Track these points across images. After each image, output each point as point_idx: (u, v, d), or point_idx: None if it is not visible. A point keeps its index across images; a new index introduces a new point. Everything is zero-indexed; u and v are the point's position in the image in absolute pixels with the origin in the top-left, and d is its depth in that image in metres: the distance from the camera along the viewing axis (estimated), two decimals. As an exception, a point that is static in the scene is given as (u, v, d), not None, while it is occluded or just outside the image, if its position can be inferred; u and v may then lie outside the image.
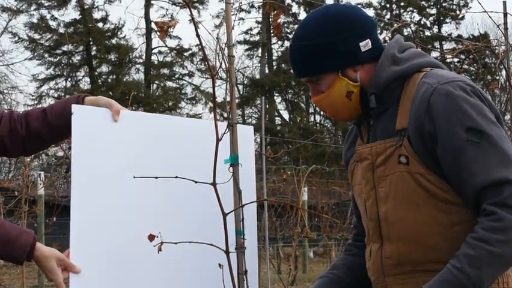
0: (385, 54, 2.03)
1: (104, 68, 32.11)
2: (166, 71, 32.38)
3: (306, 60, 2.05)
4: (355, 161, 2.13)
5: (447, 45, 32.62)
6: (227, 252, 1.76)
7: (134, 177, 1.99)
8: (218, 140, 1.74)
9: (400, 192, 1.94)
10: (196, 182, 1.79)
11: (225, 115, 1.97)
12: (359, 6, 2.21)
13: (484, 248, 1.79)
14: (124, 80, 31.01)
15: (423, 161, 1.92)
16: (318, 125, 35.23)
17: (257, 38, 34.72)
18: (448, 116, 1.86)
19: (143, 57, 32.17)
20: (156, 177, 1.97)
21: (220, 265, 1.85)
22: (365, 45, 2.03)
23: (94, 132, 2.18)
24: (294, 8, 34.02)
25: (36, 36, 30.90)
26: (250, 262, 2.13)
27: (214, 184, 1.73)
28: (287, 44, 34.62)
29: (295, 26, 34.60)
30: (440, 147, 1.88)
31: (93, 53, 31.87)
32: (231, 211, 1.79)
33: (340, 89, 2.03)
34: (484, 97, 1.93)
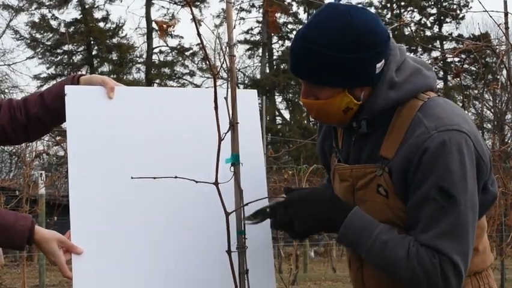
0: (384, 77, 1.88)
1: (105, 68, 32.10)
2: (167, 70, 32.38)
3: (314, 66, 1.85)
4: (335, 167, 2.08)
5: (447, 45, 32.67)
6: (229, 251, 1.75)
7: (132, 177, 1.95)
8: (220, 139, 1.72)
9: (379, 220, 1.89)
10: (197, 182, 1.77)
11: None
12: (360, 5, 1.97)
13: (403, 260, 1.81)
14: (125, 79, 31.00)
15: (402, 196, 1.87)
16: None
17: (257, 37, 34.70)
18: (431, 167, 1.79)
19: (144, 56, 32.18)
20: (154, 178, 1.93)
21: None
22: (380, 66, 1.87)
23: (88, 112, 2.14)
24: (294, 8, 34.03)
25: (38, 36, 30.95)
26: (264, 262, 2.11)
27: (216, 184, 1.72)
28: (288, 43, 34.60)
29: (295, 26, 34.54)
30: (412, 188, 1.84)
31: (94, 52, 31.92)
32: (233, 211, 1.78)
33: (340, 103, 1.89)
34: (480, 146, 1.85)
